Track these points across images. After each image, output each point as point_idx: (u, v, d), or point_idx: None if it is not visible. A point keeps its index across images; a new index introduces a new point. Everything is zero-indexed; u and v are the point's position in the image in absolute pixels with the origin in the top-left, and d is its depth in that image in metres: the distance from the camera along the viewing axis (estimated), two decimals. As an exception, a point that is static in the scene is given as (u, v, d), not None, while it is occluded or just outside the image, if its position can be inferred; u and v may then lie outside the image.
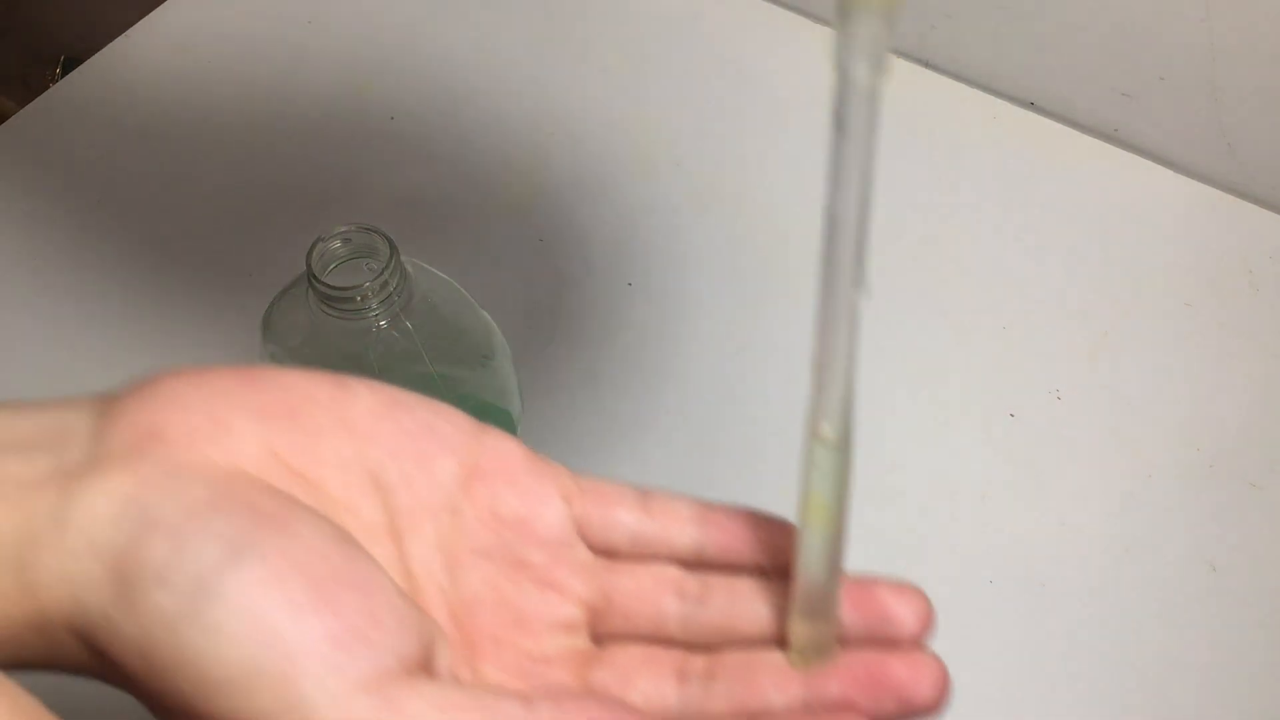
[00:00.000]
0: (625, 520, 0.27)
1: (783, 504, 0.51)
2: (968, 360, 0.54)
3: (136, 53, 0.66)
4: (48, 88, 0.65)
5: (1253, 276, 0.57)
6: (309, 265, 0.37)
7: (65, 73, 0.66)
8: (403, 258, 0.38)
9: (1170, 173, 0.60)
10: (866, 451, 0.51)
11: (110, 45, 0.67)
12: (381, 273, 0.37)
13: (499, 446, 0.27)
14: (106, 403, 0.25)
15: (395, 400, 0.26)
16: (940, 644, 0.45)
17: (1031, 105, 0.63)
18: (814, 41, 0.64)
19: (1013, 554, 0.48)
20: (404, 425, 0.26)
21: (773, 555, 0.27)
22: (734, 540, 0.27)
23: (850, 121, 0.22)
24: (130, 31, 0.67)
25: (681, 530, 0.27)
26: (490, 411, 0.42)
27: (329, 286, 0.36)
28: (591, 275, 0.57)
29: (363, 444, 0.25)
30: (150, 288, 0.56)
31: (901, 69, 0.63)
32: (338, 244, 0.37)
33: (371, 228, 0.38)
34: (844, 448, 0.25)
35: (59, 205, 0.60)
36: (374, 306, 0.37)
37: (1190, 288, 0.57)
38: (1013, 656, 0.46)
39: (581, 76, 0.65)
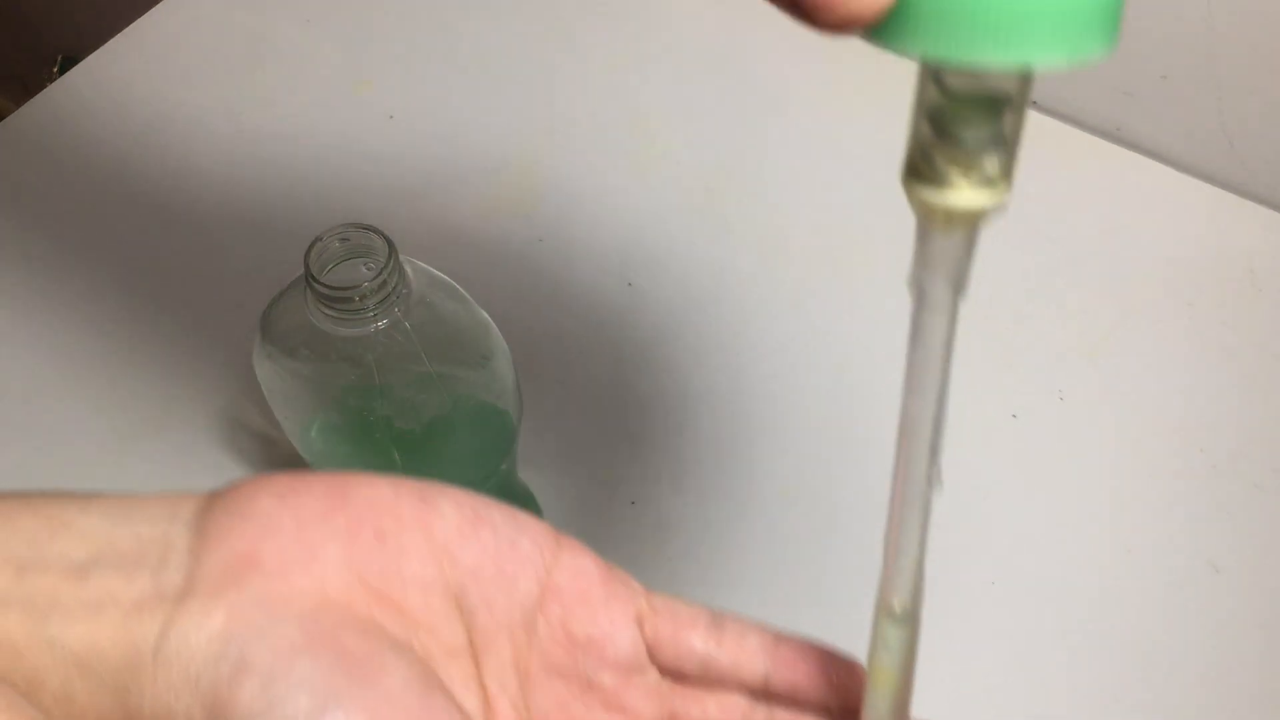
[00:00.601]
0: (696, 646, 0.28)
1: (782, 503, 0.51)
2: (970, 361, 0.54)
3: (134, 51, 0.66)
4: (46, 86, 0.65)
5: (1255, 276, 0.57)
6: (307, 265, 0.36)
7: (63, 71, 0.66)
8: (401, 257, 0.38)
9: (1172, 171, 0.60)
10: (868, 452, 0.51)
11: (108, 44, 0.66)
12: (380, 273, 0.36)
13: (576, 564, 0.28)
14: (203, 515, 0.25)
15: (478, 516, 0.27)
16: (942, 645, 0.45)
17: (1034, 104, 0.63)
18: (815, 41, 0.64)
19: (1015, 555, 0.48)
20: (486, 545, 0.27)
21: (840, 696, 0.28)
22: (802, 677, 0.28)
23: (927, 335, 0.22)
24: (128, 30, 0.67)
25: (751, 661, 0.28)
26: (489, 412, 0.42)
27: (327, 286, 0.36)
28: (591, 275, 0.56)
29: (445, 565, 0.26)
30: (148, 287, 0.56)
31: (900, 68, 0.63)
32: (336, 243, 0.37)
33: (370, 227, 0.37)
34: (911, 623, 0.26)
35: (57, 204, 0.60)
36: (372, 307, 0.37)
37: (1192, 287, 0.56)
38: (1015, 657, 0.46)
39: (581, 76, 0.65)
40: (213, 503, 0.26)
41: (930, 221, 0.22)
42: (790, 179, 0.60)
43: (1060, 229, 0.58)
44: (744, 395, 0.53)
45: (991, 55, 0.19)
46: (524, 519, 0.27)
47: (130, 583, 0.24)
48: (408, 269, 0.38)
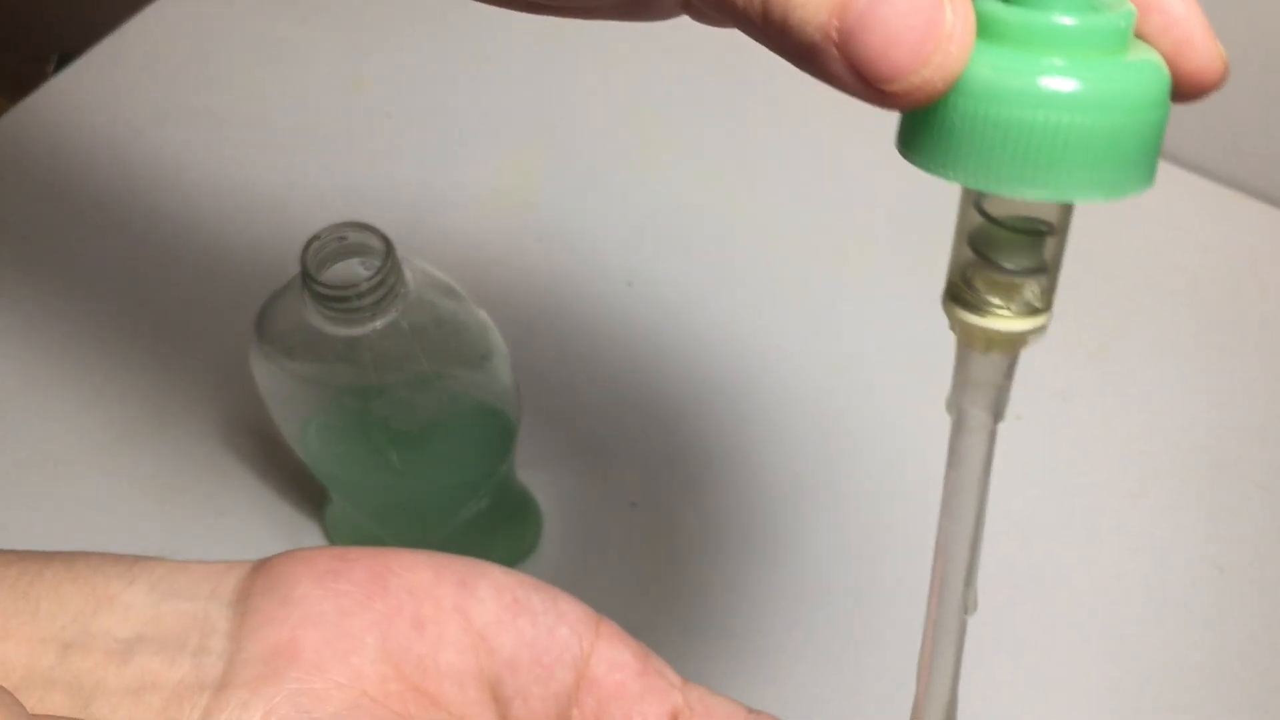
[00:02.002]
0: None
1: (784, 503, 0.51)
2: (972, 360, 0.53)
3: (130, 49, 0.66)
4: (41, 84, 0.64)
5: (1260, 275, 0.56)
6: (304, 264, 0.36)
7: (59, 69, 0.65)
8: (399, 257, 0.37)
9: (1177, 169, 0.60)
10: (871, 452, 0.51)
11: (104, 41, 0.66)
12: (378, 272, 0.36)
13: (613, 656, 0.27)
14: (244, 596, 0.26)
15: (517, 602, 0.27)
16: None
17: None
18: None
19: (1018, 556, 0.48)
20: (524, 634, 0.26)
21: None
22: None
23: (965, 458, 0.22)
24: (124, 27, 0.67)
25: None
26: (487, 412, 0.42)
27: (324, 286, 0.36)
28: (591, 275, 0.56)
29: (482, 654, 0.26)
30: (144, 286, 0.56)
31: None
32: (333, 242, 0.37)
33: (368, 226, 0.37)
34: None
35: (52, 202, 0.59)
36: (370, 306, 0.36)
37: (1197, 286, 0.56)
38: (1018, 658, 0.45)
39: (581, 76, 0.64)
40: (254, 581, 0.26)
41: (970, 345, 0.22)
42: (791, 179, 0.60)
43: (1063, 228, 0.58)
44: (744, 395, 0.52)
45: (1029, 190, 0.19)
46: (564, 603, 0.27)
47: (172, 666, 0.24)
48: (405, 268, 0.38)
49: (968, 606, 0.24)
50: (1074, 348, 0.54)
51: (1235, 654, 0.45)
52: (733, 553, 0.48)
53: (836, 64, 0.19)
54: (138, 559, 0.26)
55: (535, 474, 0.49)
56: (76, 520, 0.48)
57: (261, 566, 0.26)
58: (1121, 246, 0.57)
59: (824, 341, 0.54)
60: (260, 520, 0.48)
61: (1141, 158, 0.20)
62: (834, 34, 0.19)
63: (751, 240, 0.58)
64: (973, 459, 0.22)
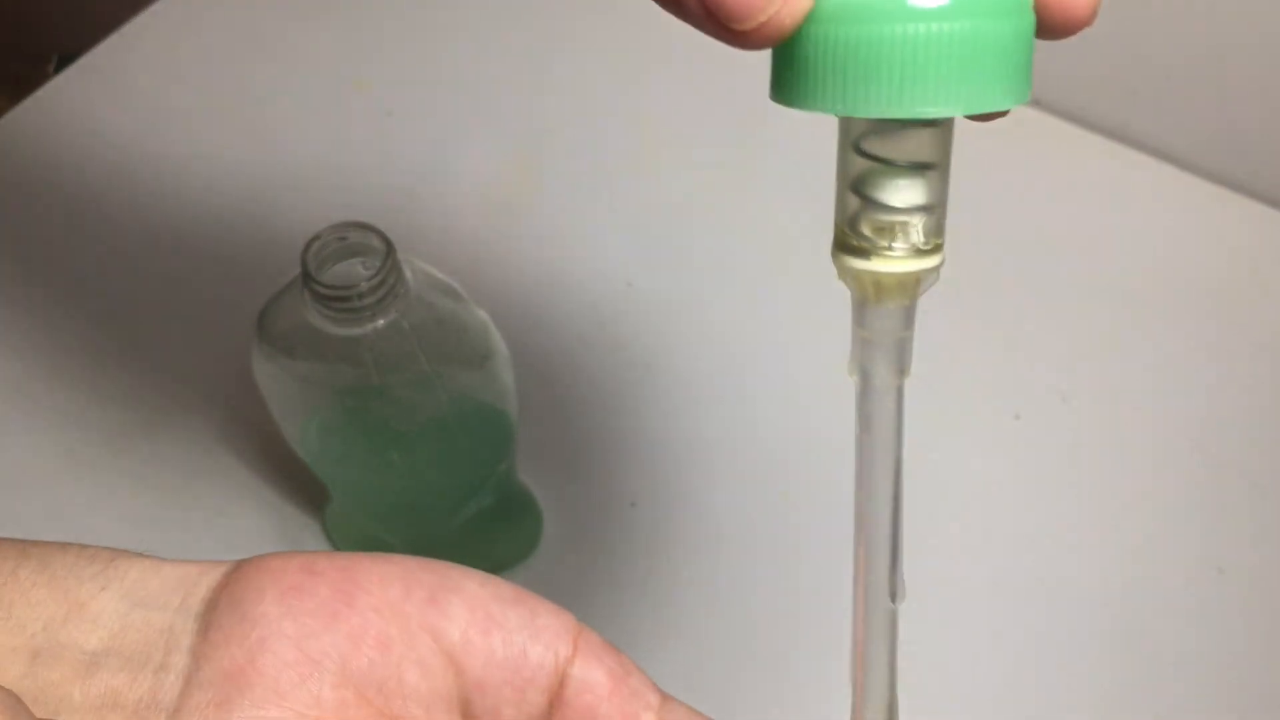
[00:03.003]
0: None
1: (784, 503, 0.51)
2: (972, 361, 0.53)
3: (131, 49, 0.66)
4: (42, 85, 0.64)
5: (1260, 275, 0.56)
6: (304, 264, 0.36)
7: (59, 70, 0.65)
8: (400, 256, 0.37)
9: (1176, 170, 0.60)
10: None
11: (104, 42, 0.66)
12: (378, 272, 0.36)
13: (587, 675, 0.26)
14: (210, 609, 0.25)
15: (490, 619, 0.26)
16: (945, 647, 0.45)
17: (1037, 103, 0.62)
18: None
19: (1018, 557, 0.48)
20: (495, 653, 0.26)
21: None
22: None
23: (875, 423, 0.22)
24: (124, 28, 0.67)
25: None
26: (487, 412, 0.42)
27: (325, 286, 0.36)
28: (591, 275, 0.56)
29: (451, 676, 0.25)
30: (145, 286, 0.56)
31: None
32: (334, 242, 0.37)
33: (368, 226, 0.37)
34: None
35: (53, 203, 0.59)
36: (370, 306, 0.36)
37: (1196, 287, 0.56)
38: (1018, 660, 0.45)
39: (581, 75, 0.64)
40: (221, 592, 0.25)
41: (863, 295, 0.21)
42: (791, 179, 0.60)
43: (1064, 228, 0.58)
44: (744, 395, 0.52)
45: (891, 108, 0.19)
46: (542, 617, 0.26)
47: (133, 684, 0.24)
48: (406, 268, 0.38)
49: (894, 594, 0.23)
50: (1072, 348, 0.54)
51: (1235, 654, 0.45)
52: (733, 553, 0.48)
53: (692, 2, 0.19)
54: (115, 556, 0.25)
55: (535, 473, 0.49)
56: (76, 520, 0.48)
57: (232, 574, 0.25)
58: (1121, 247, 0.57)
59: (824, 342, 0.54)
60: (260, 520, 0.48)
61: (1006, 68, 0.19)
62: None
63: (751, 240, 0.58)
64: (882, 421, 0.21)
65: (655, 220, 0.58)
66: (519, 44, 0.66)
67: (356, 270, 0.37)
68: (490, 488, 0.45)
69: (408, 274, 0.38)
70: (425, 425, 0.40)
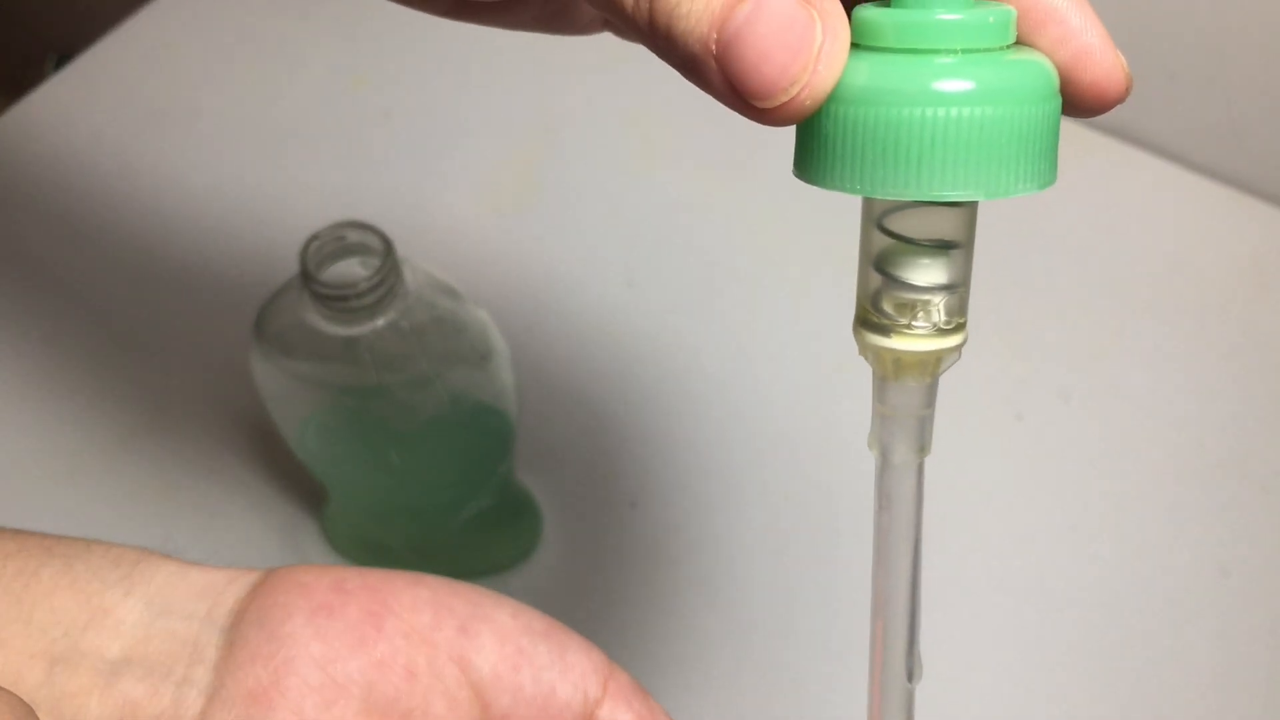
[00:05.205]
0: None
1: (784, 504, 0.51)
2: (974, 362, 0.53)
3: (129, 48, 0.66)
4: (40, 84, 0.64)
5: (1263, 275, 0.56)
6: (303, 264, 0.36)
7: (57, 69, 0.65)
8: (399, 256, 0.37)
9: (1180, 169, 0.60)
10: (870, 451, 0.51)
11: (102, 41, 0.66)
12: (377, 271, 0.36)
13: (615, 716, 0.26)
14: (237, 623, 0.25)
15: (521, 654, 0.26)
16: (946, 648, 0.44)
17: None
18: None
19: (1020, 557, 0.48)
20: (523, 690, 0.25)
21: None
22: None
23: (894, 500, 0.22)
24: (122, 27, 0.66)
25: None
26: (487, 412, 0.41)
27: (323, 285, 0.36)
28: (591, 275, 0.56)
29: (476, 711, 0.25)
30: (143, 285, 0.56)
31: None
32: (332, 242, 0.37)
33: (367, 225, 0.37)
34: None
35: (51, 202, 0.59)
36: (369, 306, 0.36)
37: (1200, 286, 0.56)
38: (1020, 661, 0.45)
39: (581, 75, 0.64)
40: (250, 604, 0.25)
41: (883, 372, 0.21)
42: (791, 178, 0.60)
43: (1066, 227, 0.58)
44: (745, 395, 0.52)
45: (912, 190, 0.19)
46: (573, 653, 0.26)
47: (154, 696, 0.24)
48: (405, 268, 0.38)
49: (912, 673, 0.23)
50: (1074, 348, 0.54)
51: (1239, 656, 0.45)
52: (732, 553, 0.48)
53: (715, 76, 0.19)
54: (141, 558, 0.25)
55: (535, 473, 0.49)
56: (77, 520, 0.48)
57: (261, 586, 0.25)
58: (1122, 246, 0.57)
59: (824, 341, 0.54)
60: (260, 520, 0.48)
61: (1029, 153, 0.19)
62: (713, 47, 0.19)
63: (751, 240, 0.58)
64: (902, 499, 0.21)
65: (655, 220, 0.58)
66: (519, 44, 0.66)
67: (355, 270, 0.37)
68: (490, 488, 0.44)
69: (407, 274, 0.38)
70: (424, 425, 0.40)
